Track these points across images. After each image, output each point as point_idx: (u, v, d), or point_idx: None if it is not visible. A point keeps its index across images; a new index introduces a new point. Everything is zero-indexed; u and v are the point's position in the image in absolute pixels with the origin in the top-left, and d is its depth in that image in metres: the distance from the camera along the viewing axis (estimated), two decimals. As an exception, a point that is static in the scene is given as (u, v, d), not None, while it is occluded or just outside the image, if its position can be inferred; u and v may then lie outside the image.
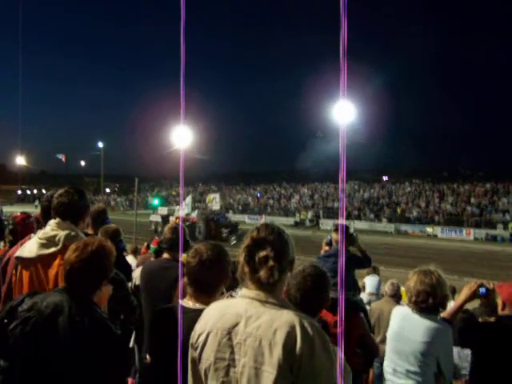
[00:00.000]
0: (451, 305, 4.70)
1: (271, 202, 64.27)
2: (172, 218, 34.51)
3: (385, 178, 72.01)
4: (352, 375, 4.66)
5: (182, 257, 2.91)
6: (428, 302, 3.62)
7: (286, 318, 1.91)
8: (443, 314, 4.12)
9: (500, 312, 3.92)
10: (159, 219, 39.89)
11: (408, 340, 3.67)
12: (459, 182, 57.93)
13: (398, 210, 50.34)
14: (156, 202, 46.69)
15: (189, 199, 37.08)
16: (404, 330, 3.75)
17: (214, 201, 39.30)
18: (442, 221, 46.07)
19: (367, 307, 7.04)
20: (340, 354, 2.01)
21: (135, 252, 10.71)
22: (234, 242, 30.15)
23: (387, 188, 61.69)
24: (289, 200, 63.36)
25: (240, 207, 63.00)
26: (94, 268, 2.69)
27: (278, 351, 1.85)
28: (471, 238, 41.52)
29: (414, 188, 59.53)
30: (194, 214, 36.33)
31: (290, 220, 51.46)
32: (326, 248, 6.42)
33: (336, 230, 6.18)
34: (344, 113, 28.58)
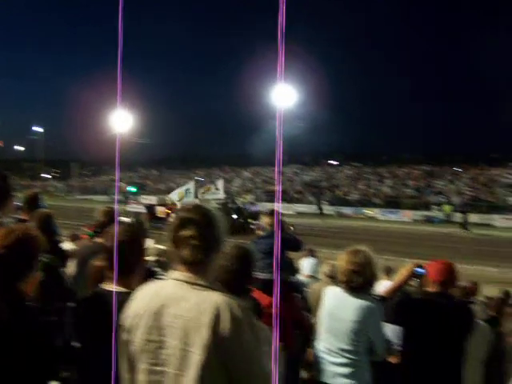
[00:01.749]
0: (387, 284, 4.83)
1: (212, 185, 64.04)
2: (161, 209, 30.62)
3: (334, 163, 72.62)
4: (291, 355, 4.75)
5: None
6: (357, 281, 3.70)
7: (213, 299, 1.92)
8: (381, 293, 4.26)
9: (428, 289, 4.06)
10: (143, 209, 32.57)
11: (340, 319, 3.75)
12: (398, 165, 59.14)
13: (339, 193, 50.98)
14: (133, 189, 43.29)
15: (191, 186, 30.62)
16: (336, 309, 3.82)
17: (214, 188, 32.33)
18: (382, 203, 46.98)
19: (305, 289, 7.13)
20: (274, 335, 2.04)
21: (74, 238, 10.47)
22: None
23: (328, 171, 62.39)
24: (230, 183, 63.33)
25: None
26: (18, 255, 2.61)
27: (204, 333, 1.86)
28: (409, 219, 42.54)
29: (354, 171, 60.45)
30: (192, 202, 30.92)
31: (233, 203, 51.27)
32: (260, 233, 6.52)
33: (266, 214, 6.34)
34: (283, 96, 28.65)
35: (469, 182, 48.09)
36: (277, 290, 2.71)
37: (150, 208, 32.02)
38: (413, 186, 49.48)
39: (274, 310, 2.41)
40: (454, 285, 4.13)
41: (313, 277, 8.65)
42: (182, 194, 30.04)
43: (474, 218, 36.09)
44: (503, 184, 46.06)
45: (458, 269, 4.11)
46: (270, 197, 51.22)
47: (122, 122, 33.41)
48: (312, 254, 9.46)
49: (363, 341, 3.71)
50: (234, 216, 29.07)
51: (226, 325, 1.86)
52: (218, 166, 76.94)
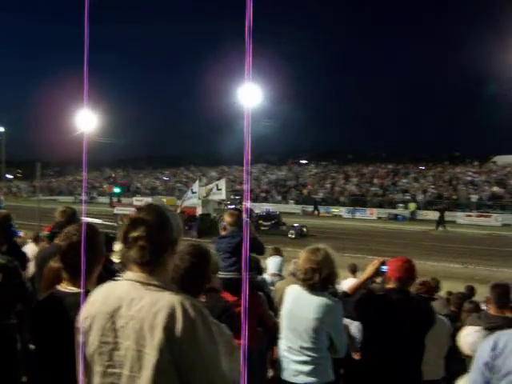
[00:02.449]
0: (353, 282, 4.89)
1: (179, 185, 63.88)
2: None
3: (301, 161, 73.06)
4: (255, 354, 4.76)
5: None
6: (315, 279, 3.71)
7: (167, 299, 1.89)
8: (345, 290, 4.31)
9: (386, 286, 4.12)
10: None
11: (300, 317, 3.76)
12: (363, 164, 59.74)
13: (305, 192, 51.24)
14: (117, 190, 41.04)
15: (196, 187, 28.00)
16: (295, 307, 3.84)
17: (215, 188, 28.82)
18: (347, 201, 47.35)
19: (271, 288, 7.15)
20: (243, 333, 2.03)
21: (37, 239, 10.31)
22: (293, 236, 27.19)
23: (294, 170, 62.72)
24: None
25: (147, 191, 62.21)
26: None
27: (158, 334, 1.84)
28: (374, 217, 42.99)
29: (321, 170, 60.88)
30: (194, 204, 28.41)
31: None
32: (224, 232, 6.55)
33: (229, 213, 6.40)
34: (250, 96, 28.67)
35: (432, 180, 48.81)
36: (245, 289, 2.70)
37: None
38: (378, 184, 49.98)
39: (242, 309, 2.39)
40: (413, 281, 4.20)
41: (278, 275, 8.66)
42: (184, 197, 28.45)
43: (437, 215, 36.58)
44: (466, 182, 46.83)
45: (416, 265, 4.18)
46: (237, 195, 51.22)
47: (87, 121, 32.86)
48: (278, 252, 9.46)
49: (323, 338, 3.73)
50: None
51: (179, 325, 1.83)
52: (184, 165, 76.74)
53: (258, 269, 7.30)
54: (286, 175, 60.20)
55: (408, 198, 45.12)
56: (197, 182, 29.08)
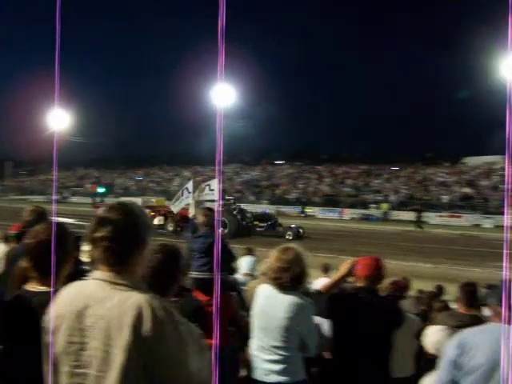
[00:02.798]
0: (324, 281, 4.92)
1: (152, 185, 63.63)
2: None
3: (274, 162, 73.19)
4: (227, 353, 4.75)
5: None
6: (285, 278, 3.72)
7: (135, 299, 1.87)
8: (319, 288, 4.34)
9: (357, 284, 4.18)
10: None
11: (270, 316, 3.76)
12: (337, 164, 60.09)
13: (278, 192, 51.37)
14: (102, 190, 39.89)
15: (191, 186, 24.29)
16: (266, 306, 3.83)
17: (208, 188, 24.58)
18: (320, 201, 47.59)
19: (244, 287, 7.15)
20: (214, 333, 2.02)
21: (7, 239, 10.15)
22: (291, 237, 26.72)
23: (268, 170, 62.84)
24: (170, 182, 62.99)
25: (121, 190, 61.80)
26: None
27: (126, 333, 1.82)
28: (347, 217, 43.30)
29: (294, 170, 61.05)
30: (186, 205, 24.52)
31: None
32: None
33: (202, 213, 6.42)
34: (223, 96, 28.64)
35: (405, 181, 49.32)
36: (217, 288, 2.70)
37: None
38: (351, 184, 50.34)
39: (214, 309, 2.38)
40: (381, 280, 4.25)
41: (250, 275, 8.66)
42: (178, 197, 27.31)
43: (409, 215, 36.97)
44: (437, 182, 47.40)
45: (389, 265, 4.23)
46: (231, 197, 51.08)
47: (59, 120, 32.47)
48: (251, 252, 9.48)
49: (294, 337, 3.73)
50: (239, 217, 28.28)
51: (147, 325, 1.82)
52: (158, 165, 76.46)
53: (230, 269, 7.31)
54: (259, 175, 60.29)
55: (380, 198, 45.54)
56: (191, 181, 28.18)
